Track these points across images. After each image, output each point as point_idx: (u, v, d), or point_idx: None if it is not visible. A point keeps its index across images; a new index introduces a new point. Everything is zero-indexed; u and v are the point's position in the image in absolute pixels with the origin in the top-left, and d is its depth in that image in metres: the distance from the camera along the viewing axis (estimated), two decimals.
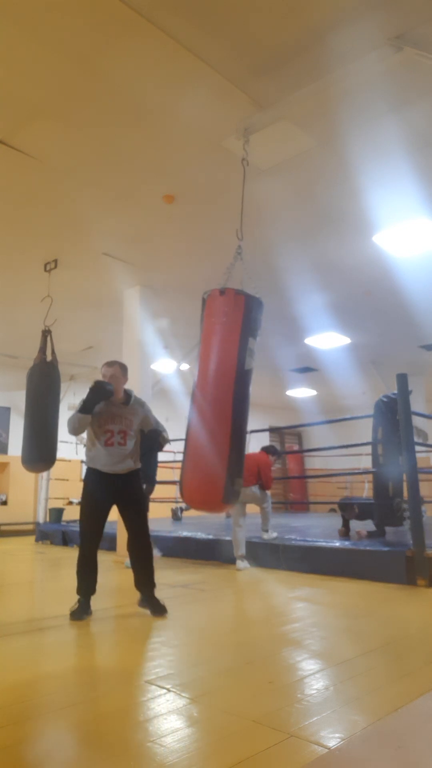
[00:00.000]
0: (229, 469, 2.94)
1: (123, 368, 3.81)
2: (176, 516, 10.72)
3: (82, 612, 3.50)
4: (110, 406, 3.65)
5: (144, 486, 3.84)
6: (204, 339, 3.19)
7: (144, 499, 3.78)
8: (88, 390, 3.55)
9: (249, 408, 3.14)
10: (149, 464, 4.93)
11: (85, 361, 10.52)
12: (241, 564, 5.43)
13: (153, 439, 3.85)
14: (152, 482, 5.56)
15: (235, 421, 3.01)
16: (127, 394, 3.77)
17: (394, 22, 3.14)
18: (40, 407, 5.13)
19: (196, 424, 3.07)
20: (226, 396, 3.03)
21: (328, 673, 2.38)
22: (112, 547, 6.72)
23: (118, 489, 3.61)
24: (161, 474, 10.22)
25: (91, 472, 3.66)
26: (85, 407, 3.53)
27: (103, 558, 5.88)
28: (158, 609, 3.54)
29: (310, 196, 4.98)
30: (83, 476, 3.70)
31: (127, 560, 5.85)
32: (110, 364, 3.79)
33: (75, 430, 3.58)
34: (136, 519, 3.65)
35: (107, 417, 3.63)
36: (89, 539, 3.62)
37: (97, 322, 8.42)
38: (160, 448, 3.98)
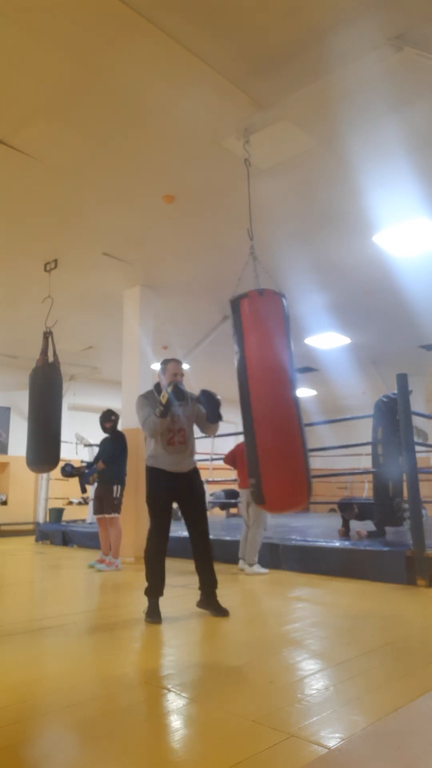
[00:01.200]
0: (307, 464, 2.98)
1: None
2: (176, 516, 10.73)
3: (153, 614, 3.40)
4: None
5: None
6: (249, 340, 3.14)
7: (204, 497, 3.72)
8: (168, 392, 3.44)
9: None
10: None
11: (85, 361, 10.53)
12: (259, 569, 5.16)
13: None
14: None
15: (300, 419, 3.06)
16: (183, 392, 3.64)
17: (394, 22, 3.14)
18: (43, 409, 5.15)
19: (266, 427, 3.02)
20: (289, 395, 3.06)
21: (328, 673, 2.38)
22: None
23: (180, 487, 3.59)
24: None
25: (154, 471, 3.60)
26: (166, 412, 3.46)
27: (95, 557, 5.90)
28: (219, 610, 3.49)
29: (310, 196, 4.98)
30: (146, 476, 3.63)
31: (92, 560, 5.91)
32: (176, 361, 3.69)
33: (154, 434, 3.55)
34: (198, 518, 3.61)
35: (168, 418, 3.56)
36: (158, 539, 3.54)
37: (97, 322, 8.42)
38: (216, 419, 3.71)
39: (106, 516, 5.74)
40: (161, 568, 3.55)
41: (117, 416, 5.94)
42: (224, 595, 3.95)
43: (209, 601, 3.55)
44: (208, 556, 3.63)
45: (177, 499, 3.61)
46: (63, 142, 4.20)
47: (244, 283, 3.53)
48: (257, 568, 5.17)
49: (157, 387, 3.69)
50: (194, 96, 3.72)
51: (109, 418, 5.88)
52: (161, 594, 3.51)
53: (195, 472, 3.68)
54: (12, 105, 3.81)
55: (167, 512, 3.58)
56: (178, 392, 3.47)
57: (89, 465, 6.19)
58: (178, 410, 3.59)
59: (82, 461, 5.97)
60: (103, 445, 5.89)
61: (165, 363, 3.70)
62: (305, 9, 3.06)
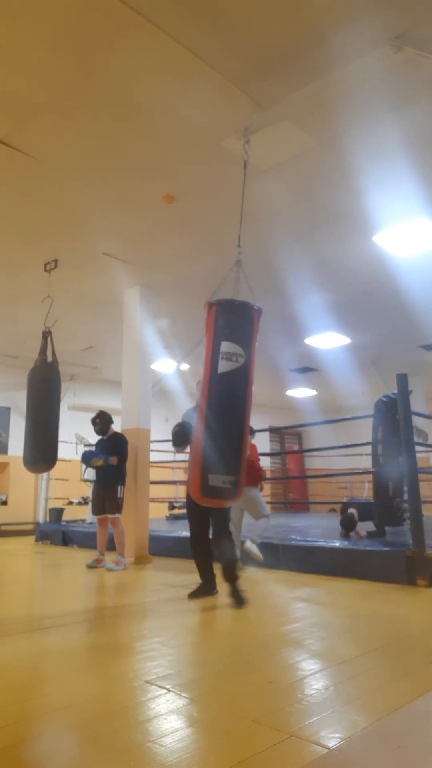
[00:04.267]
0: (204, 464, 3.24)
1: None
2: (173, 516, 10.73)
3: (196, 593, 4.00)
4: None
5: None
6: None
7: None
8: (176, 431, 4.15)
9: (236, 408, 3.36)
10: None
11: (85, 361, 10.53)
12: (257, 550, 5.23)
13: None
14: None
15: (209, 419, 3.32)
16: None
17: (394, 22, 3.14)
18: (41, 409, 5.15)
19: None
20: (202, 398, 3.36)
21: (328, 673, 2.38)
22: (111, 547, 6.70)
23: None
24: (161, 474, 10.23)
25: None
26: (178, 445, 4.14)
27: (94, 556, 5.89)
28: (238, 601, 3.76)
29: (310, 196, 4.98)
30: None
31: (89, 560, 5.89)
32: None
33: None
34: (220, 519, 3.95)
35: None
36: (194, 540, 4.06)
37: (97, 322, 8.42)
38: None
39: (110, 516, 5.73)
40: (209, 566, 4.08)
41: (105, 419, 5.95)
42: (225, 594, 3.96)
43: (232, 592, 3.83)
44: (227, 552, 3.96)
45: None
46: (63, 142, 4.20)
47: (242, 291, 3.63)
48: (256, 549, 5.22)
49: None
50: (194, 96, 3.71)
51: (94, 422, 5.94)
52: (212, 588, 4.04)
53: None
54: (12, 105, 3.81)
55: (198, 513, 3.95)
56: (184, 437, 4.10)
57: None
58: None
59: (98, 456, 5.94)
60: (113, 444, 5.86)
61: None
62: (305, 9, 3.06)
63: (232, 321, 3.36)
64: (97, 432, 5.94)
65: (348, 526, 6.00)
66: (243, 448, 3.39)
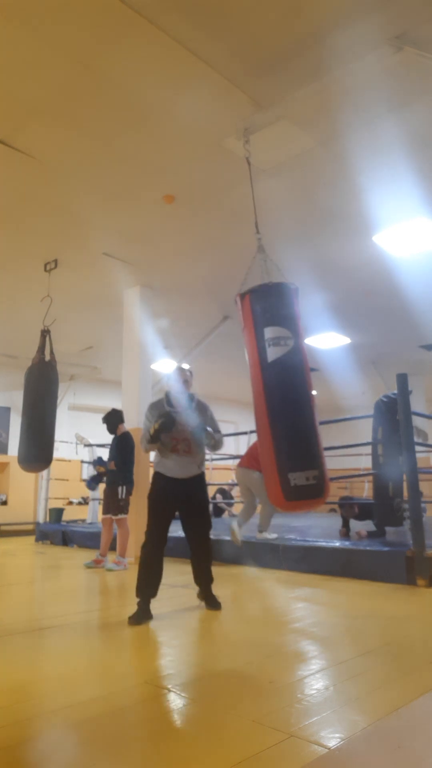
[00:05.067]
0: (280, 463, 2.86)
1: (192, 374, 3.89)
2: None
3: (140, 616, 3.35)
4: (175, 414, 3.62)
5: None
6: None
7: (207, 503, 3.81)
8: (157, 419, 3.52)
9: (300, 393, 2.99)
10: None
11: (85, 361, 10.53)
12: (269, 534, 5.81)
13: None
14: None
15: (272, 413, 2.95)
16: (191, 400, 3.78)
17: (394, 22, 3.14)
18: (37, 407, 5.14)
19: (256, 428, 3.07)
20: (258, 389, 3.02)
21: (328, 673, 2.38)
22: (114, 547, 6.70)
23: (182, 493, 3.62)
24: None
25: (157, 476, 3.66)
26: (155, 438, 3.55)
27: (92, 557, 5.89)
28: (213, 604, 3.64)
29: (310, 195, 4.98)
30: (151, 480, 3.74)
31: (87, 560, 5.91)
32: (184, 371, 3.83)
33: (146, 451, 3.72)
34: (199, 523, 3.69)
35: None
36: (152, 542, 3.56)
37: (97, 322, 8.42)
38: (210, 448, 3.78)
39: (111, 517, 5.76)
40: (154, 571, 3.52)
41: (112, 418, 5.95)
42: (225, 594, 3.96)
43: (205, 595, 3.69)
44: (204, 555, 3.72)
45: (178, 504, 3.64)
46: (63, 142, 4.20)
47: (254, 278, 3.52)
48: (267, 534, 5.74)
49: (167, 396, 3.75)
50: (194, 96, 3.71)
51: (104, 420, 5.96)
52: (152, 595, 3.48)
53: (197, 479, 3.69)
54: (12, 105, 3.81)
55: (164, 517, 3.59)
56: (167, 424, 3.50)
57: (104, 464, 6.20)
58: (186, 419, 3.64)
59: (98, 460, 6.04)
60: (116, 445, 5.91)
61: (174, 371, 3.83)
62: (305, 9, 3.06)
63: (271, 305, 3.10)
64: (109, 430, 5.96)
65: (346, 509, 6.11)
66: (318, 436, 2.97)
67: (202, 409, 3.77)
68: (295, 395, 2.98)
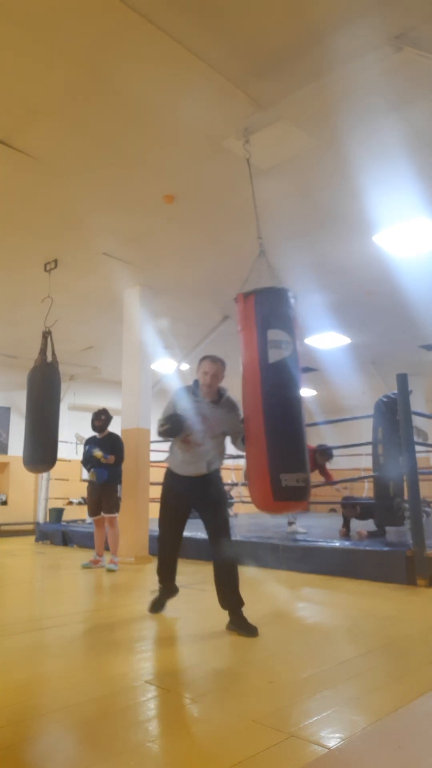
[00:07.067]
0: (273, 464, 2.88)
1: (224, 366, 3.46)
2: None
3: (156, 605, 3.54)
4: (198, 405, 3.36)
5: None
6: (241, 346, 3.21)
7: (224, 502, 3.45)
8: (164, 421, 3.31)
9: (294, 398, 3.05)
10: None
11: (85, 361, 10.52)
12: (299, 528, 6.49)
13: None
14: None
15: (268, 415, 2.96)
16: (219, 394, 3.42)
17: (394, 22, 3.14)
18: (41, 409, 5.15)
19: (245, 427, 3.09)
20: (255, 389, 3.03)
21: (328, 673, 2.38)
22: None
23: (193, 492, 3.38)
24: (161, 474, 10.22)
25: (167, 473, 3.49)
26: (168, 434, 3.34)
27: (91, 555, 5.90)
28: (248, 629, 3.05)
29: (310, 196, 4.98)
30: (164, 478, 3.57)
31: (85, 561, 5.88)
32: (213, 360, 3.40)
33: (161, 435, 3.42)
34: (214, 524, 3.32)
35: (192, 416, 3.36)
36: (165, 543, 3.50)
37: (97, 322, 8.42)
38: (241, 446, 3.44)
39: (108, 516, 5.73)
40: (168, 571, 3.52)
41: (108, 416, 5.93)
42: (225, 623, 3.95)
43: (236, 620, 3.15)
44: (227, 568, 3.26)
45: (191, 503, 3.42)
46: (63, 142, 4.20)
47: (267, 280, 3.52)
48: (295, 527, 6.39)
49: (196, 383, 3.47)
50: (194, 96, 3.71)
51: (99, 417, 5.88)
52: (172, 595, 3.56)
53: (209, 477, 3.38)
54: (12, 105, 3.81)
55: (175, 515, 3.45)
56: (173, 431, 3.30)
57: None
58: (208, 411, 3.36)
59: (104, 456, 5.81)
60: (111, 444, 5.84)
61: (200, 361, 3.47)
62: (305, 9, 3.06)
63: (276, 308, 3.15)
64: (98, 429, 5.89)
65: (348, 509, 6.09)
66: (306, 441, 3.05)
67: (231, 407, 3.42)
68: (291, 399, 3.04)
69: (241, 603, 3.19)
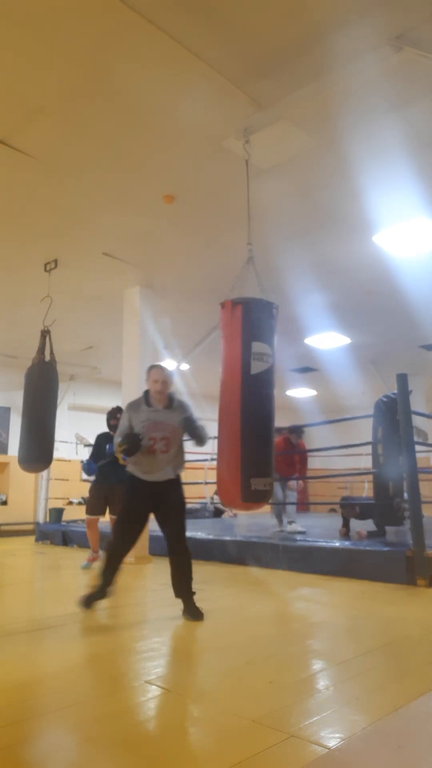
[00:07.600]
0: (246, 469, 3.13)
1: (172, 373, 3.78)
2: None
3: (88, 600, 3.54)
4: (154, 413, 3.56)
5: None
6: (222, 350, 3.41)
7: (183, 507, 3.65)
8: (122, 441, 3.47)
9: (269, 409, 3.30)
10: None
11: (85, 361, 10.52)
12: (297, 527, 6.58)
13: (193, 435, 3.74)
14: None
15: (245, 422, 3.20)
16: (170, 399, 3.65)
17: (394, 22, 3.14)
18: (37, 407, 5.14)
19: (219, 429, 3.33)
20: (234, 397, 3.23)
21: (328, 673, 2.38)
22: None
23: (157, 497, 3.53)
24: None
25: (131, 479, 3.58)
26: (125, 454, 3.48)
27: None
28: (195, 614, 3.42)
29: (310, 196, 4.98)
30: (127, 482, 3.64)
31: (84, 562, 5.83)
32: (162, 368, 3.65)
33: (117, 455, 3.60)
34: (175, 527, 3.55)
35: (151, 425, 3.53)
36: (119, 544, 3.57)
37: (97, 322, 8.42)
38: (196, 440, 3.74)
39: (100, 517, 5.62)
40: (114, 572, 3.55)
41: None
42: (225, 594, 3.96)
43: (187, 606, 3.48)
44: (182, 563, 3.56)
45: (153, 508, 3.56)
46: (63, 142, 4.20)
47: (256, 288, 3.59)
48: (295, 526, 6.43)
49: (146, 394, 3.65)
50: (194, 96, 3.71)
51: (114, 416, 5.74)
52: (107, 595, 3.57)
53: (173, 482, 3.58)
54: (12, 105, 3.81)
55: (135, 519, 3.56)
56: (131, 450, 3.45)
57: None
58: (162, 417, 3.56)
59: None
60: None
61: (148, 369, 3.67)
62: (305, 9, 3.06)
63: (260, 320, 3.29)
64: (113, 427, 5.65)
65: (347, 509, 6.12)
66: (273, 449, 3.35)
67: (183, 408, 3.66)
68: (266, 410, 3.30)
69: (192, 593, 3.51)
